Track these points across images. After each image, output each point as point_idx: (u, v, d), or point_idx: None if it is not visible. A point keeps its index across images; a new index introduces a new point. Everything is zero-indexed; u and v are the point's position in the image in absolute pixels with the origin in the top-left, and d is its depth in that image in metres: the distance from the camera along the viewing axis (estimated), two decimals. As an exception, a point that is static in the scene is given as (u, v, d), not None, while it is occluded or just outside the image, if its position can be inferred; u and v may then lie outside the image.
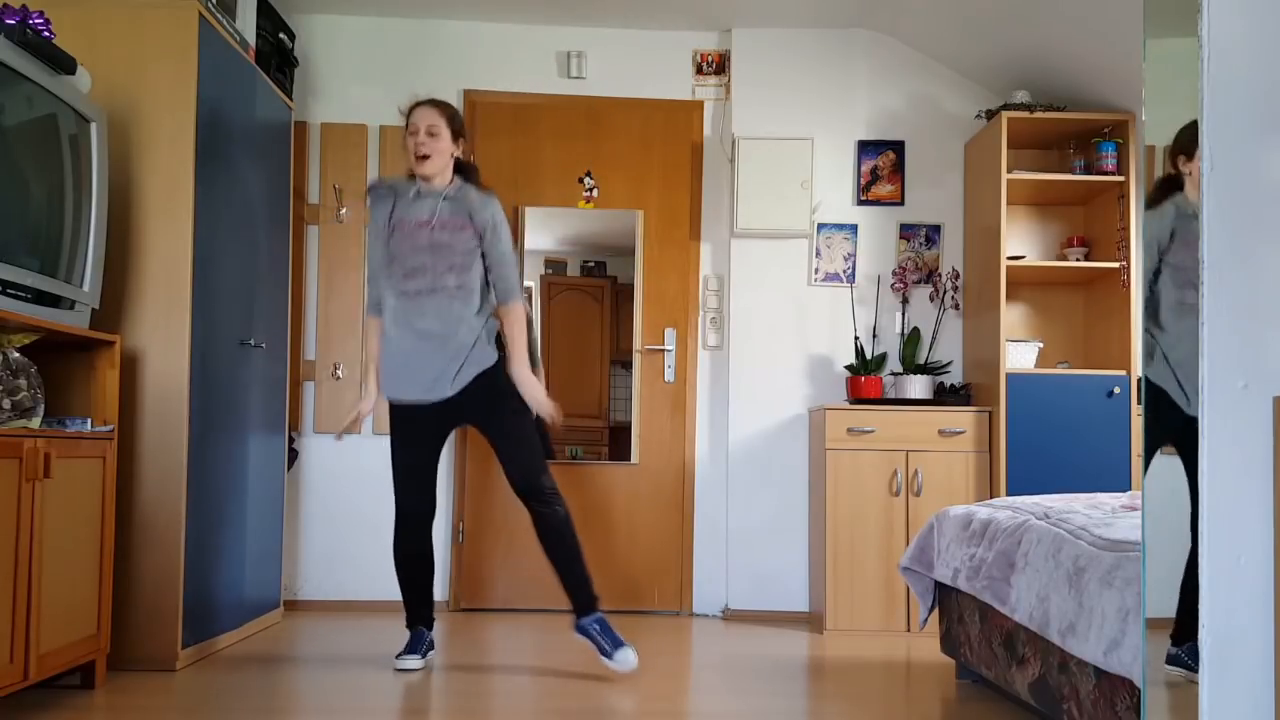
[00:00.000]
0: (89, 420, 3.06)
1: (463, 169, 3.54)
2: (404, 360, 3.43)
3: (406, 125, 3.47)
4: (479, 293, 3.45)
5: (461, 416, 3.49)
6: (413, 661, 3.46)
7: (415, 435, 3.49)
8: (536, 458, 3.42)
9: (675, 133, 4.89)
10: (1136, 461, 4.22)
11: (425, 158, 3.41)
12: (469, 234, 3.42)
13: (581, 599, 3.40)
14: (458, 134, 3.49)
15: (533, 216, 4.86)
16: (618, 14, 4.77)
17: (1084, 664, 2.42)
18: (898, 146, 4.85)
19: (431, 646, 3.58)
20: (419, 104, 3.48)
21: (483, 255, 3.45)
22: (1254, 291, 1.71)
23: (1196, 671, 1.73)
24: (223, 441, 3.72)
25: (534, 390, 3.42)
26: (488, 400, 3.43)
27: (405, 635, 3.56)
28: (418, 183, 3.46)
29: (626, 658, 3.34)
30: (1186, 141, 1.86)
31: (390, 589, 4.61)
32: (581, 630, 3.40)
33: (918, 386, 4.49)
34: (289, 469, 4.50)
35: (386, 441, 4.67)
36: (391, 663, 3.49)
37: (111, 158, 3.30)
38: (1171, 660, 1.84)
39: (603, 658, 3.36)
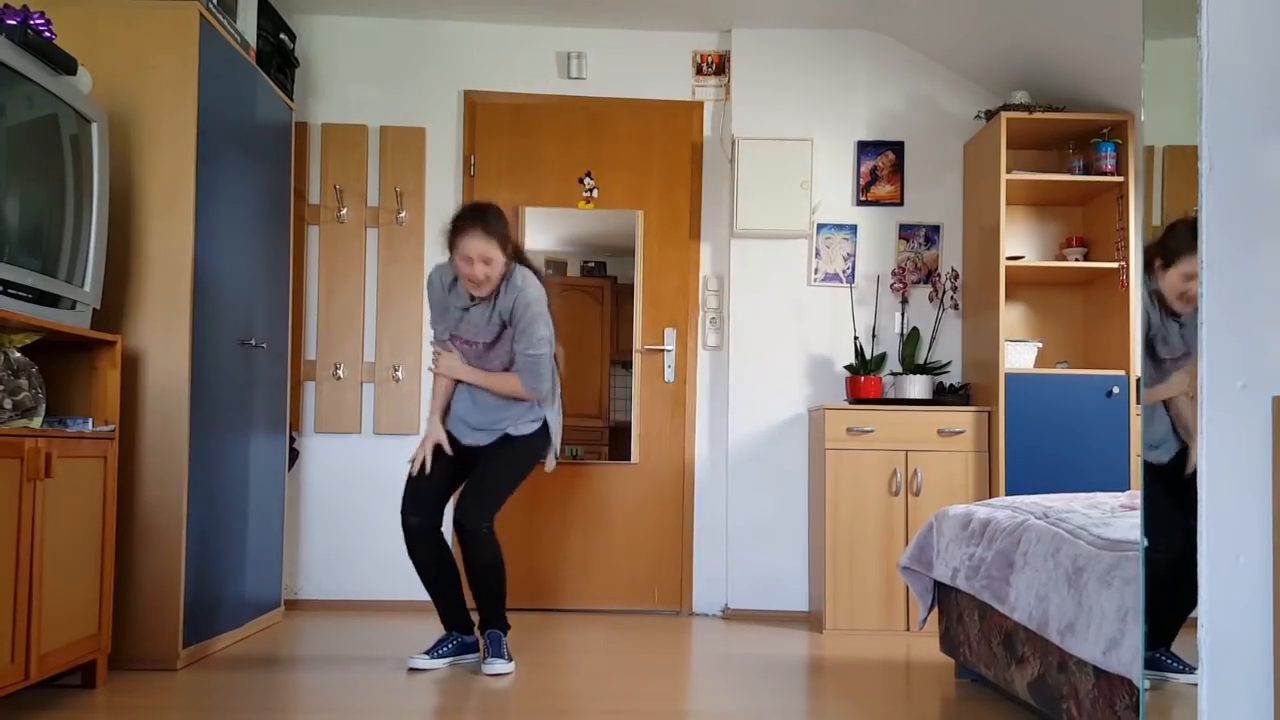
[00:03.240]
0: (90, 420, 3.06)
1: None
2: None
3: (454, 246, 3.43)
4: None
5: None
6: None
7: None
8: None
9: (675, 133, 4.89)
10: (1136, 461, 4.22)
11: (482, 284, 3.43)
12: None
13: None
14: (507, 245, 3.46)
15: (533, 217, 4.86)
16: (618, 14, 4.77)
17: (1083, 663, 2.42)
18: (897, 147, 4.85)
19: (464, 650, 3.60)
20: (465, 229, 3.40)
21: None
22: (1254, 291, 1.72)
23: (1178, 673, 1.74)
24: (223, 441, 3.72)
25: None
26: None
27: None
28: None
29: (500, 667, 3.43)
30: (1169, 248, 1.84)
31: (389, 588, 4.67)
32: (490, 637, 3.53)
33: (917, 386, 4.49)
34: (289, 469, 4.51)
35: (386, 442, 4.74)
36: (403, 661, 3.49)
37: (112, 158, 3.30)
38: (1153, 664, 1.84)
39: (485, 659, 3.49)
